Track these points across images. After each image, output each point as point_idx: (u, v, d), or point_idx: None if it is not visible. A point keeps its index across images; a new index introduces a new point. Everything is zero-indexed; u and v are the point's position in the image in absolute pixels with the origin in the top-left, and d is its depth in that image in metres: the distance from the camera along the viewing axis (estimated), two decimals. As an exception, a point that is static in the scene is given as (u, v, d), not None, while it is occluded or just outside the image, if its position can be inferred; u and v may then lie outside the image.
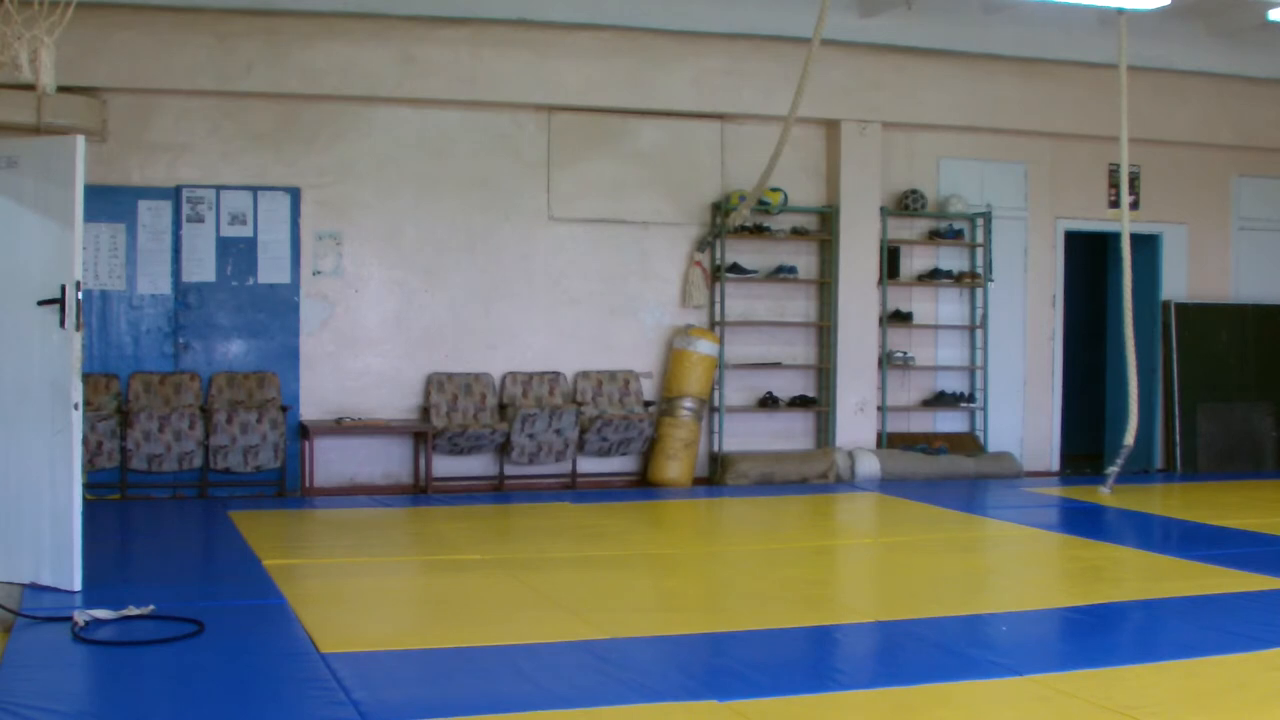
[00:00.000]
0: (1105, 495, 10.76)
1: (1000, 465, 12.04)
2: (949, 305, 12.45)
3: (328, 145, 10.78)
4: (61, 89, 7.72)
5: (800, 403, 11.94)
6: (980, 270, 12.33)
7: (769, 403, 11.84)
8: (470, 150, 11.13)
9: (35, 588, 6.53)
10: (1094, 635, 6.05)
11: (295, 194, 10.69)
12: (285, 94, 10.55)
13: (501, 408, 11.06)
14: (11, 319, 6.63)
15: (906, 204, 12.08)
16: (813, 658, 5.81)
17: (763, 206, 11.57)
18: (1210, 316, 13.04)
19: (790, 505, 10.40)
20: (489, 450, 10.93)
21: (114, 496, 9.97)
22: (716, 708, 4.81)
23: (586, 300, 11.44)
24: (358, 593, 6.96)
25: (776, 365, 11.87)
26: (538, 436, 10.78)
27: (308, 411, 10.70)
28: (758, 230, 11.70)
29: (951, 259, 12.40)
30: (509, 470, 11.07)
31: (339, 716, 4.61)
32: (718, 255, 11.66)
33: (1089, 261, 13.57)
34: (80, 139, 6.48)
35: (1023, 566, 8.23)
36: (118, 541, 8.37)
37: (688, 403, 11.28)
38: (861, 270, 11.90)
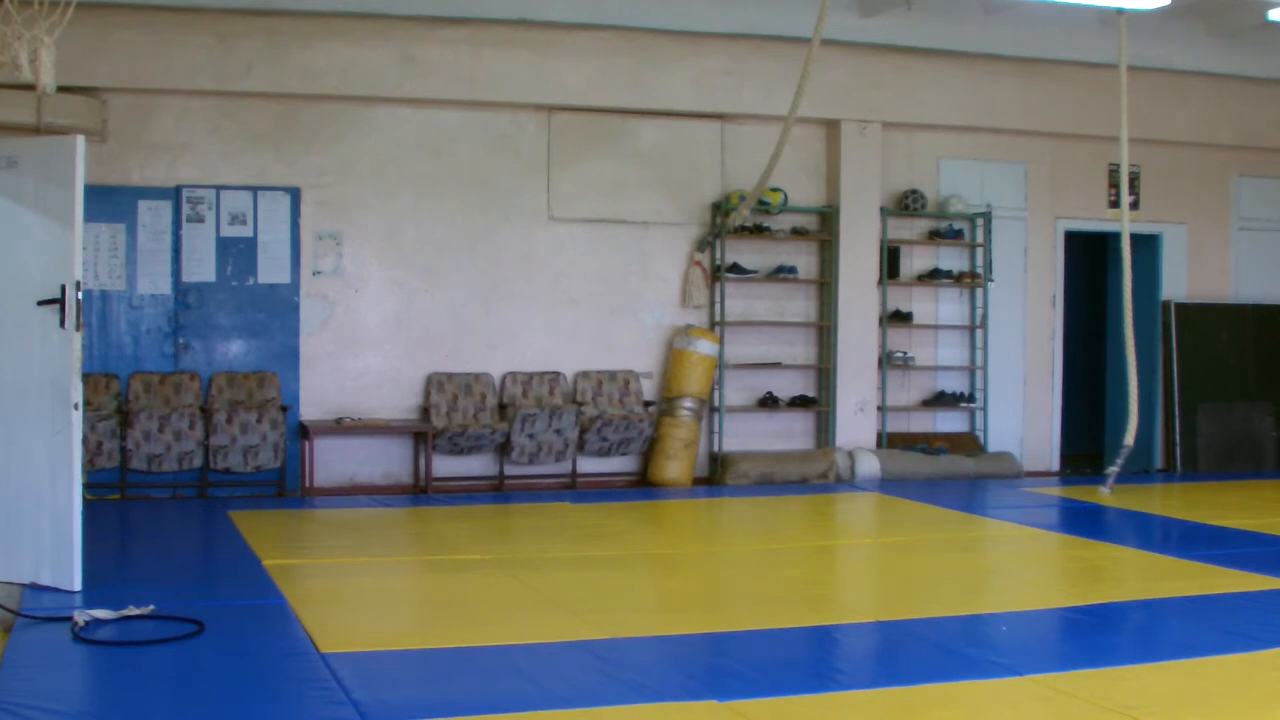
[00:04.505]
0: (1105, 495, 10.76)
1: (1000, 465, 12.04)
2: (949, 305, 12.45)
3: (328, 145, 10.78)
4: (61, 89, 7.72)
5: (800, 403, 11.94)
6: (980, 270, 12.33)
7: (769, 403, 11.84)
8: (470, 150, 11.13)
9: (35, 588, 6.53)
10: (1094, 635, 6.05)
11: (295, 194, 10.69)
12: (285, 94, 10.55)
13: (501, 408, 11.06)
14: (11, 319, 6.63)
15: (906, 204, 12.08)
16: (813, 658, 5.81)
17: (763, 206, 11.57)
18: (1210, 316, 13.03)
19: (790, 505, 10.40)
20: (489, 450, 10.93)
21: (114, 496, 9.97)
22: (716, 708, 4.81)
23: (586, 300, 11.44)
24: (358, 593, 6.96)
25: (776, 365, 11.87)
26: (538, 436, 10.78)
27: (308, 411, 10.70)
28: (758, 230, 11.70)
29: (951, 259, 12.40)
30: (509, 470, 11.07)
31: (339, 716, 4.61)
32: (718, 255, 11.66)
33: (1089, 261, 13.56)
34: (80, 139, 6.48)
35: (1023, 566, 8.23)
36: (118, 541, 8.38)
37: (688, 403, 11.28)
38: (861, 270, 11.90)
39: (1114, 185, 12.47)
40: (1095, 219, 12.81)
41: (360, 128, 10.86)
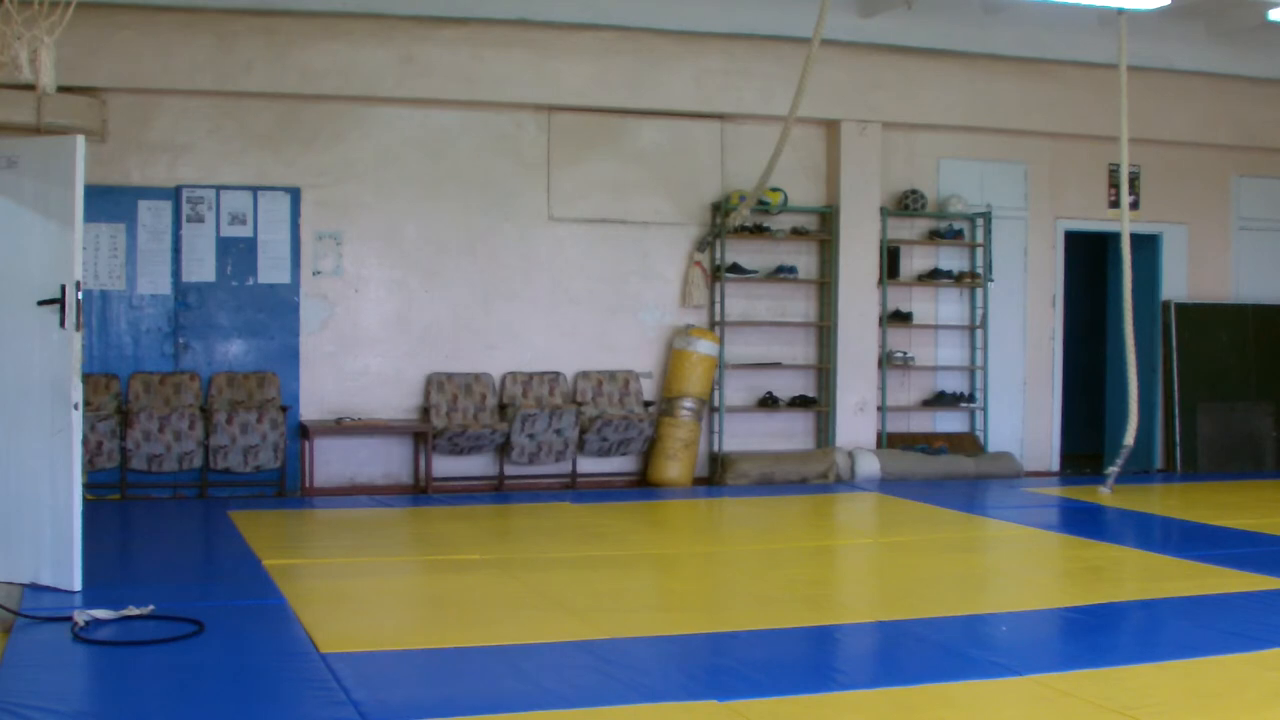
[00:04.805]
0: (1105, 495, 10.76)
1: (1000, 465, 12.03)
2: (949, 305, 12.45)
3: (328, 145, 10.78)
4: (61, 89, 7.72)
5: (800, 403, 11.94)
6: (980, 270, 12.33)
7: (769, 403, 11.84)
8: (470, 150, 11.13)
9: (35, 588, 6.52)
10: (1094, 635, 6.05)
11: (295, 194, 10.69)
12: (285, 94, 10.55)
13: (501, 408, 11.06)
14: (11, 319, 6.63)
15: (906, 204, 12.08)
16: (813, 658, 5.81)
17: (763, 206, 11.57)
18: (1210, 316, 13.03)
19: (790, 505, 10.40)
20: (489, 450, 10.93)
21: (114, 496, 9.97)
22: (716, 708, 4.81)
23: (586, 300, 11.44)
24: (358, 593, 6.96)
25: (776, 365, 11.87)
26: (538, 436, 10.78)
27: (308, 411, 10.70)
28: (758, 230, 11.70)
29: (951, 259, 12.40)
30: (509, 470, 11.07)
31: (339, 716, 4.61)
32: (718, 255, 11.66)
33: (1089, 261, 13.57)
34: (80, 139, 6.48)
35: (1023, 566, 8.23)
36: (118, 541, 8.37)
37: (688, 403, 11.28)
38: (861, 270, 11.90)
39: (1114, 185, 12.47)
40: (1095, 219, 12.81)
41: (360, 128, 10.86)
